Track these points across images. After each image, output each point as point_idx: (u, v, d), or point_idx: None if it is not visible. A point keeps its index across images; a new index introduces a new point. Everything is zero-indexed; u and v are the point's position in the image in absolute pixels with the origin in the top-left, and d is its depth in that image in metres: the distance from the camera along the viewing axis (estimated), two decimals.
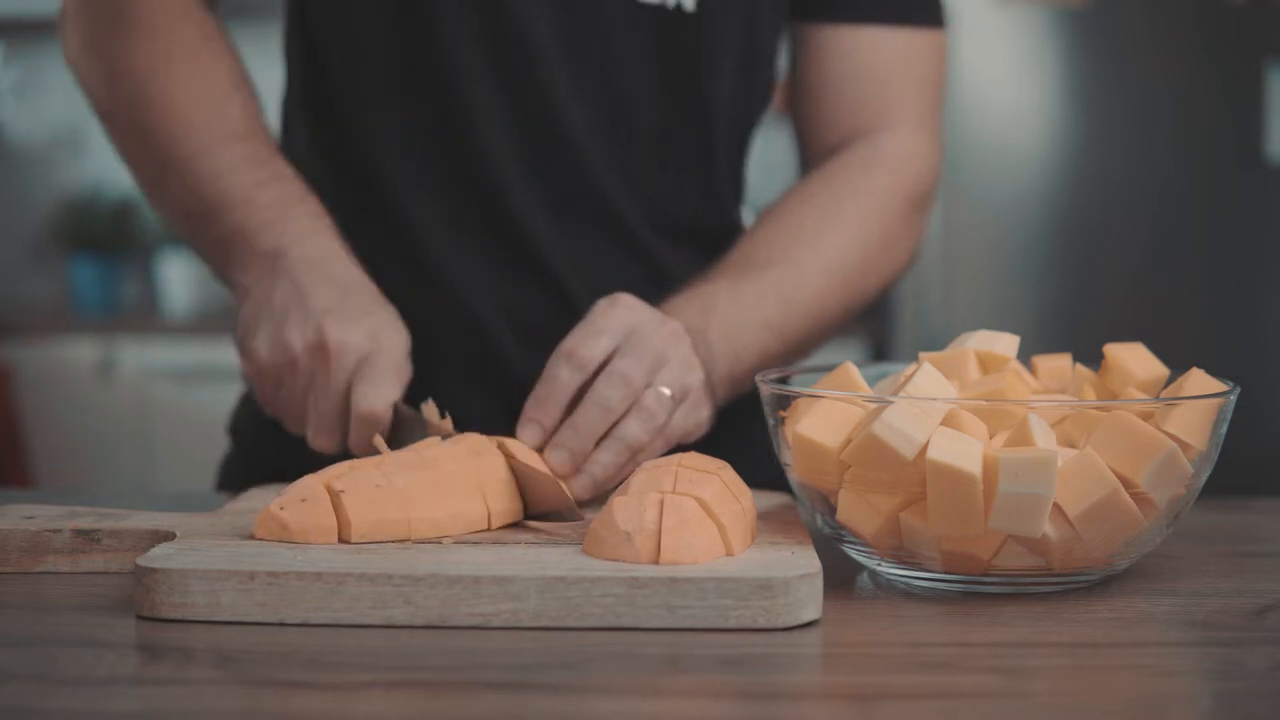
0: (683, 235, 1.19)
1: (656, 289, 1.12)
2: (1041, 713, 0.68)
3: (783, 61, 1.24)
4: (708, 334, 1.03)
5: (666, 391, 0.95)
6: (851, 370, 0.89)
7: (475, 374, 1.15)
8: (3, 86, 3.84)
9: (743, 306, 1.07)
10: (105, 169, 3.75)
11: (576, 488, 0.95)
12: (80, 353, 3.40)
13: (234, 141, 1.09)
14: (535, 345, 1.09)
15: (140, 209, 3.69)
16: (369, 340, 0.99)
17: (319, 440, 1.00)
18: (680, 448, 0.99)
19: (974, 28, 2.87)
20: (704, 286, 1.08)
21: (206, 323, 3.43)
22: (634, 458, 0.95)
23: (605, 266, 1.16)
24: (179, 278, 3.52)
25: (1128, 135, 2.87)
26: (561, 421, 0.95)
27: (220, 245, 1.07)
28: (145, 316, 3.57)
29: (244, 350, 1.03)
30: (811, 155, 1.22)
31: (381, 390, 0.98)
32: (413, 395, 1.05)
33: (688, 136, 1.18)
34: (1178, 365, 0.92)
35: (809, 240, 1.12)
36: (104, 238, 3.60)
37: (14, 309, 3.64)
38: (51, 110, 3.83)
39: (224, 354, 3.25)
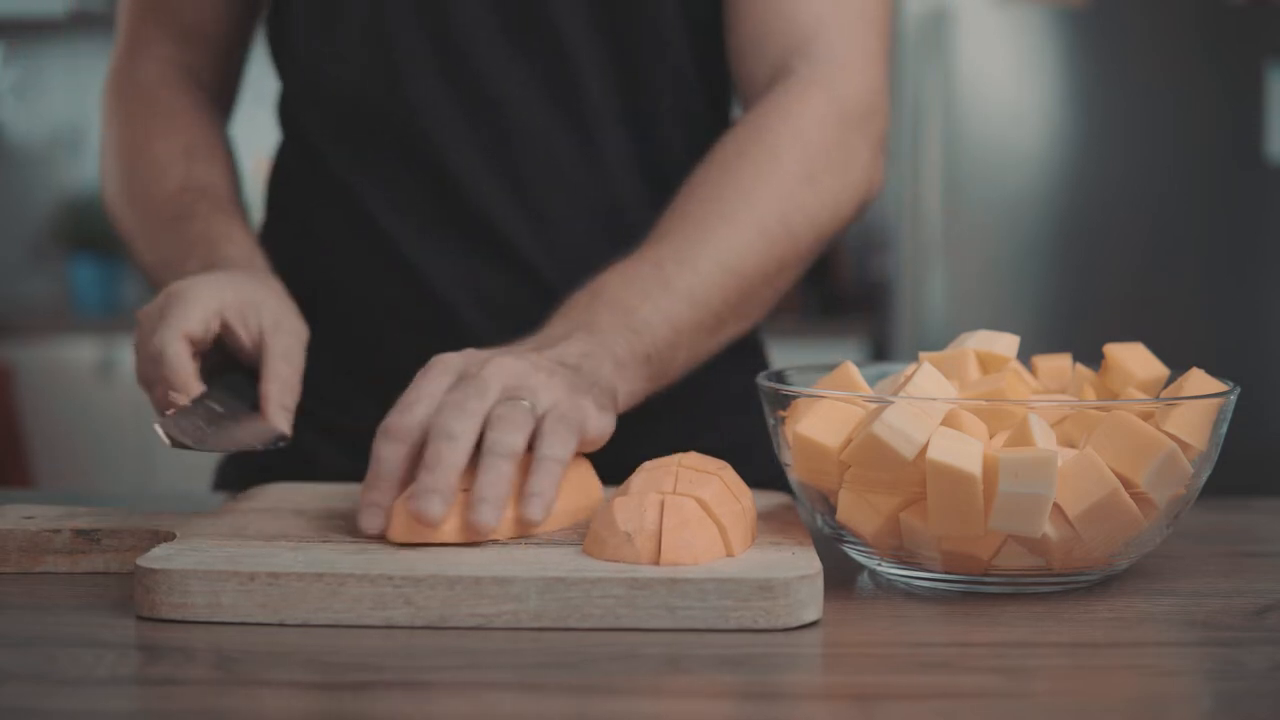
0: (646, 207, 1.18)
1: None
2: (1041, 713, 0.68)
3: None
4: (596, 322, 0.97)
5: (525, 402, 0.87)
6: (851, 370, 0.89)
7: None
8: (3, 86, 3.85)
9: (635, 283, 1.01)
10: None
11: (481, 519, 0.83)
12: (80, 353, 3.40)
13: (165, 207, 1.15)
14: (512, 332, 1.08)
15: None
16: (162, 298, 1.01)
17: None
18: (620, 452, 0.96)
19: (974, 28, 2.87)
20: (598, 278, 1.03)
21: None
22: (514, 463, 0.85)
23: (575, 244, 1.16)
24: None
25: (1128, 135, 2.87)
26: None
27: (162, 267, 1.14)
28: None
29: None
30: (746, 96, 1.17)
31: (162, 332, 0.97)
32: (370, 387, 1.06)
33: (639, 111, 1.17)
34: (1178, 365, 0.92)
35: (708, 200, 1.06)
36: (104, 238, 3.60)
37: (14, 309, 3.64)
38: (51, 110, 3.83)
39: None
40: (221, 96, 1.27)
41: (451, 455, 0.83)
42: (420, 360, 1.04)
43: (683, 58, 1.18)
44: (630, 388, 0.98)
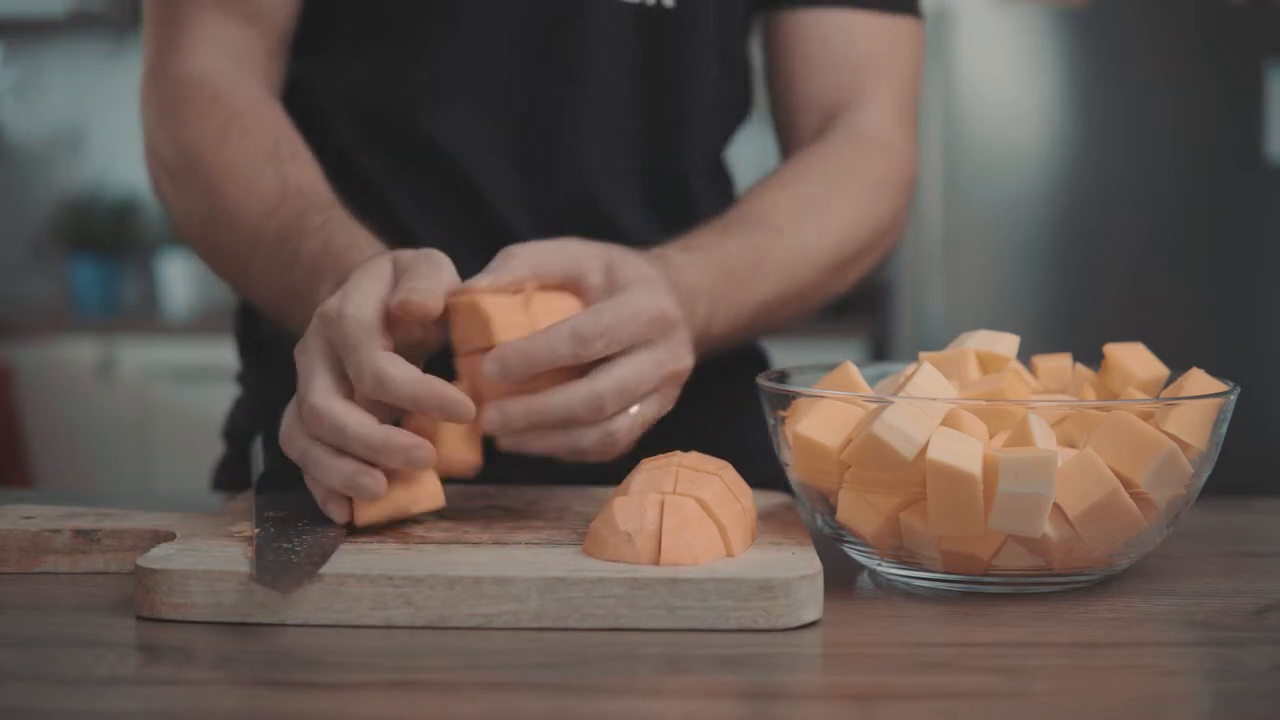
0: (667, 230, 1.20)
1: None
2: (1041, 713, 0.68)
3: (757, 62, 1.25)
4: (720, 293, 1.00)
5: (633, 410, 0.89)
6: (851, 370, 0.89)
7: None
8: (3, 86, 3.85)
9: (748, 271, 1.03)
10: (105, 169, 3.75)
11: (501, 436, 0.87)
12: (80, 353, 3.40)
13: (268, 225, 1.02)
14: None
15: (140, 209, 3.70)
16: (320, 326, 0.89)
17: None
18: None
19: (974, 28, 2.87)
20: (719, 240, 1.04)
21: (206, 323, 3.43)
22: (562, 444, 0.88)
23: None
24: (179, 278, 3.53)
25: (1128, 135, 2.87)
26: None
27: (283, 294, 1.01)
28: (145, 316, 3.57)
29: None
30: (791, 142, 1.21)
31: (364, 355, 0.84)
32: None
33: (669, 135, 1.18)
34: (1178, 365, 0.92)
35: (817, 215, 1.11)
36: (104, 238, 3.60)
37: (14, 309, 3.64)
38: (51, 110, 3.83)
39: (224, 354, 3.24)
40: (278, 92, 1.16)
41: (556, 427, 0.86)
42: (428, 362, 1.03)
43: (711, 87, 1.20)
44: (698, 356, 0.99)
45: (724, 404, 1.21)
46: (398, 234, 1.12)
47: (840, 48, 1.18)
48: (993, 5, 2.85)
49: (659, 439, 1.17)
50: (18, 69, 3.84)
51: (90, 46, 3.78)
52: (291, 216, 1.01)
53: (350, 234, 0.98)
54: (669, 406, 0.93)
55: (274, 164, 1.04)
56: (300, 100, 1.17)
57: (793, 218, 1.10)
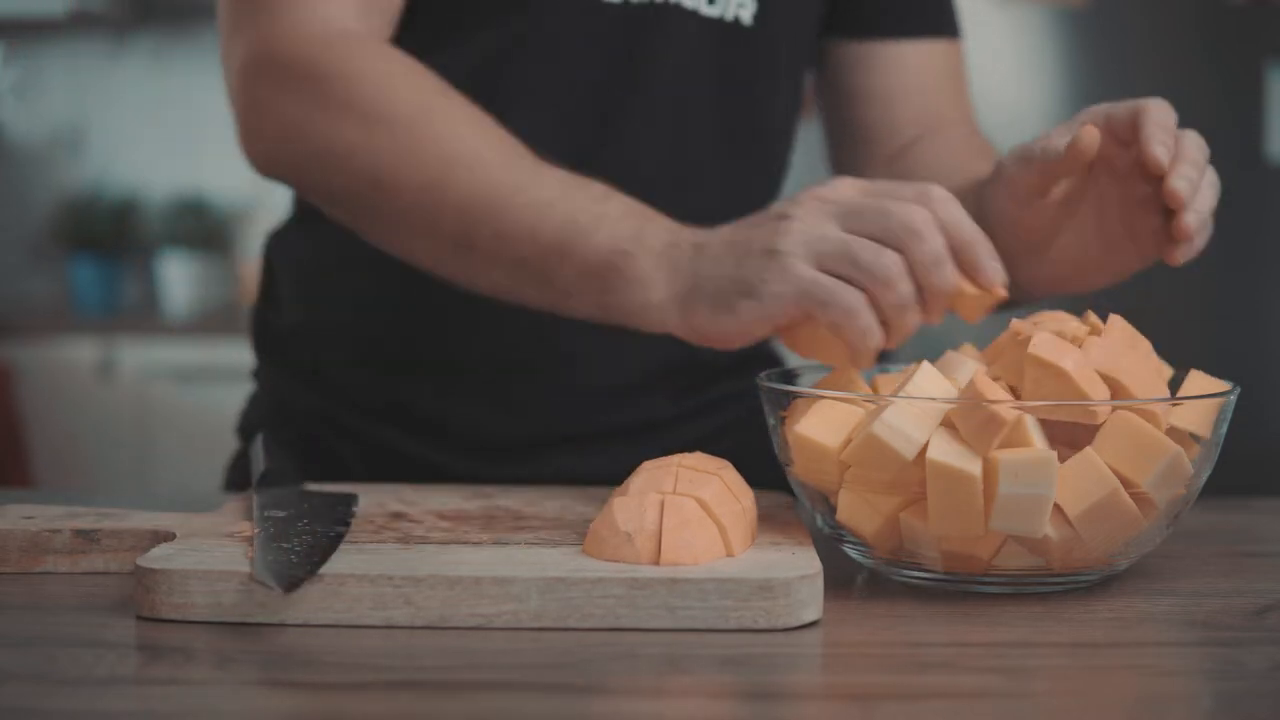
0: None
1: None
2: (1041, 713, 0.68)
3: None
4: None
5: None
6: (851, 370, 0.89)
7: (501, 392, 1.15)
8: (3, 86, 3.84)
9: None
10: (105, 169, 3.75)
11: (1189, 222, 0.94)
12: (80, 353, 3.40)
13: (542, 168, 0.96)
14: (564, 363, 1.11)
15: (140, 209, 3.70)
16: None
17: (903, 324, 0.88)
18: None
19: (974, 28, 2.86)
20: None
21: (206, 323, 3.43)
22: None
23: None
24: (179, 278, 3.53)
25: None
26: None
27: (586, 275, 0.92)
28: (145, 316, 3.57)
29: (742, 310, 0.88)
30: (872, 159, 1.23)
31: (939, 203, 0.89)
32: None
33: (745, 151, 1.18)
34: (1178, 365, 0.92)
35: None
36: (104, 238, 3.60)
37: (14, 309, 3.64)
38: (51, 110, 3.83)
39: (224, 354, 3.25)
40: None
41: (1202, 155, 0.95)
42: (440, 360, 1.03)
43: (784, 125, 1.22)
44: None
45: (730, 406, 1.21)
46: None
47: (915, 77, 1.22)
48: (993, 5, 2.85)
49: (663, 442, 1.18)
50: (18, 69, 3.84)
51: (90, 46, 3.78)
52: (564, 170, 0.96)
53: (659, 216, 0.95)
54: None
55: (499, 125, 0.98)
56: None
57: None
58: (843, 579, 0.87)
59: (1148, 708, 0.69)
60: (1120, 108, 0.97)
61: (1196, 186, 0.92)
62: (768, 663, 0.72)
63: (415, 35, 1.11)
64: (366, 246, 1.07)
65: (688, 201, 1.13)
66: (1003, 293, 0.90)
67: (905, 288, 0.86)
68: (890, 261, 0.86)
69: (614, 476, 1.08)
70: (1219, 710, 0.69)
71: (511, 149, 0.96)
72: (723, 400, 1.21)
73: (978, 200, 1.00)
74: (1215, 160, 0.98)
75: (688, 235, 0.92)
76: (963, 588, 0.84)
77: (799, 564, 0.79)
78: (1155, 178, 0.92)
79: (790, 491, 0.98)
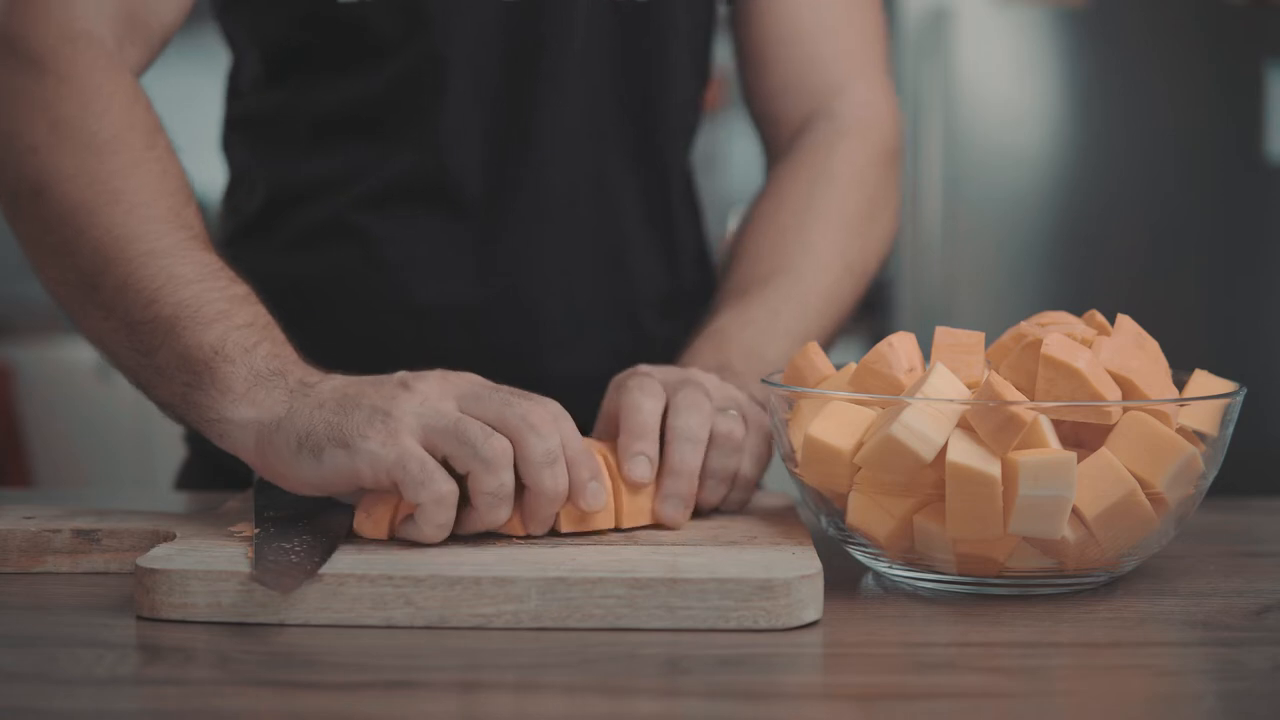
0: (650, 234, 1.20)
1: (627, 292, 1.16)
2: (1042, 713, 0.67)
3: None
4: (731, 366, 1.02)
5: (733, 411, 0.92)
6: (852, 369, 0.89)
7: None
8: None
9: (756, 328, 1.06)
10: None
11: (669, 515, 0.90)
12: (80, 353, 3.39)
13: (196, 246, 0.92)
14: (494, 351, 1.12)
15: None
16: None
17: (493, 516, 0.83)
18: None
19: (974, 27, 2.87)
20: (711, 324, 1.08)
21: None
22: (730, 487, 0.93)
23: (570, 272, 1.17)
24: None
25: (1128, 135, 2.87)
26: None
27: (182, 362, 0.88)
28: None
29: (330, 463, 0.83)
30: (774, 137, 1.22)
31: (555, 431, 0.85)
32: None
33: (645, 132, 1.18)
34: (1178, 365, 0.92)
35: (797, 241, 1.12)
36: None
37: (14, 309, 3.64)
38: None
39: None
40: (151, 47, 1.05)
41: (694, 462, 0.89)
42: (407, 354, 1.03)
43: (688, 95, 1.21)
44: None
45: None
46: (367, 209, 1.12)
47: (803, 23, 1.19)
48: (993, 5, 2.85)
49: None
50: None
51: None
52: (221, 263, 0.93)
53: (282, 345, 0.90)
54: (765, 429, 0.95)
55: (193, 200, 0.96)
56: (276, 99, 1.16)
57: (776, 259, 1.11)
58: (844, 579, 0.87)
59: (1148, 708, 0.69)
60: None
61: (688, 496, 0.89)
62: (768, 663, 0.72)
63: (322, 58, 1.13)
64: (330, 253, 1.08)
65: (604, 186, 1.14)
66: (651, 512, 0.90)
67: (506, 478, 0.81)
68: (499, 446, 0.81)
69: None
70: (1219, 710, 0.69)
71: (176, 215, 0.93)
72: None
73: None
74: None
75: (299, 372, 0.87)
76: (965, 589, 0.84)
77: (799, 564, 0.79)
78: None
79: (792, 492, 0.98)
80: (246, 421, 0.85)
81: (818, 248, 1.12)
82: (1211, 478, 0.86)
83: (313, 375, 0.87)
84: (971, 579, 0.83)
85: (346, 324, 1.15)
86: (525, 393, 0.87)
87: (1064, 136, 2.89)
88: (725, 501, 0.93)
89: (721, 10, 1.24)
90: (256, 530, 0.84)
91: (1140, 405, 0.82)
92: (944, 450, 0.79)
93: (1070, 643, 0.76)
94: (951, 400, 0.80)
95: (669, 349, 1.13)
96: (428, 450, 0.82)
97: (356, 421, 0.82)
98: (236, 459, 0.88)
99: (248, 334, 0.88)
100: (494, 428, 0.83)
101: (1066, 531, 0.80)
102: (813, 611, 0.78)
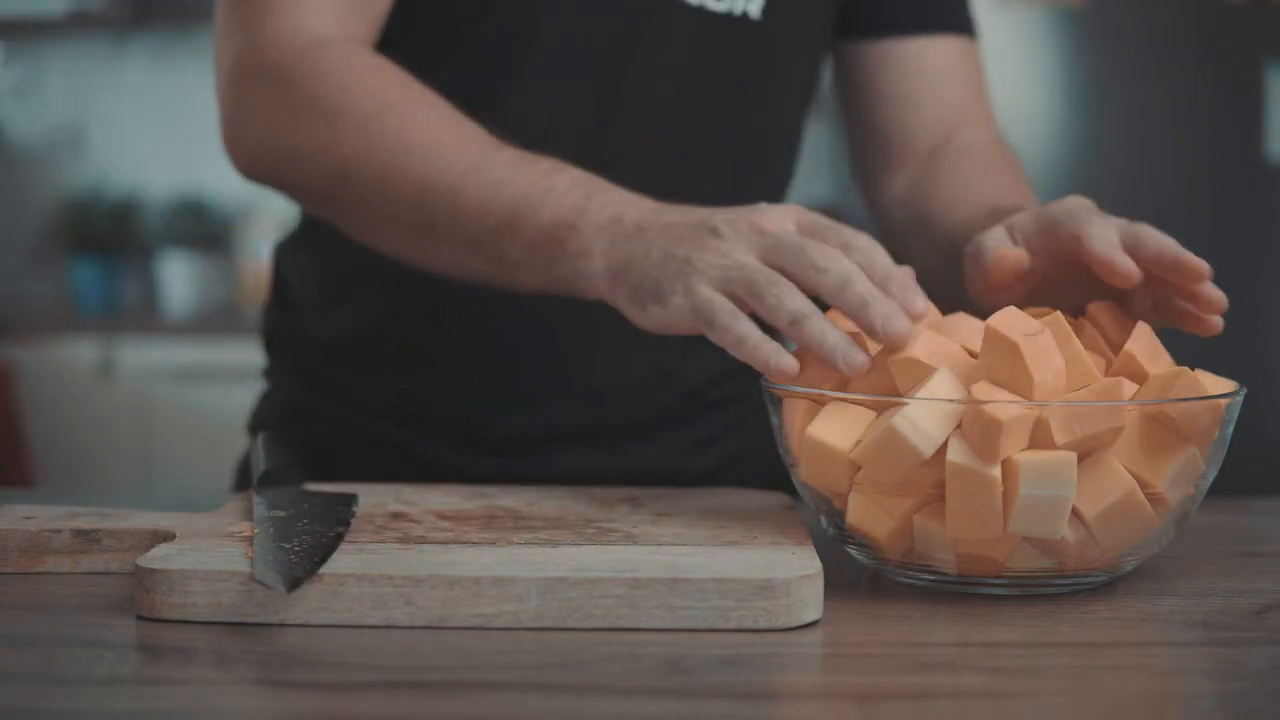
0: None
1: None
2: (1042, 713, 0.67)
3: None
4: None
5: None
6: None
7: (500, 392, 1.15)
8: (3, 86, 3.84)
9: None
10: (105, 169, 3.75)
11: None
12: (80, 353, 3.40)
13: (495, 149, 0.98)
14: (554, 361, 1.12)
15: (140, 209, 3.69)
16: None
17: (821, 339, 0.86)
18: None
19: None
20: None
21: (206, 323, 3.43)
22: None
23: None
24: (179, 278, 3.52)
25: (1128, 135, 2.87)
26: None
27: (534, 248, 0.95)
28: (145, 316, 3.57)
29: (665, 299, 0.90)
30: (904, 161, 1.22)
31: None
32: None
33: (751, 150, 1.18)
34: (1178, 365, 0.92)
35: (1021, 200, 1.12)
36: (104, 238, 3.60)
37: (14, 309, 3.64)
38: (51, 110, 3.83)
39: (224, 354, 3.25)
40: None
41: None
42: (465, 359, 1.02)
43: (792, 124, 1.21)
44: None
45: (730, 405, 1.21)
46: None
47: (936, 75, 1.21)
48: (993, 5, 2.85)
49: (663, 445, 1.17)
50: (18, 69, 3.84)
51: (90, 46, 3.78)
52: (519, 150, 0.98)
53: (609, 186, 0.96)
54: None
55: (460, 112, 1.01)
56: None
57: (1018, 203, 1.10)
58: (844, 579, 0.87)
59: (1148, 708, 0.69)
60: (1044, 223, 0.94)
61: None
62: (768, 663, 0.72)
63: (417, 41, 1.11)
64: (369, 253, 1.07)
65: (692, 201, 1.13)
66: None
67: (798, 304, 0.86)
68: (784, 289, 0.86)
69: (616, 475, 1.08)
70: (1219, 710, 0.69)
71: (464, 133, 0.99)
72: (724, 401, 1.21)
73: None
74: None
75: (633, 212, 0.93)
76: (965, 589, 0.84)
77: (799, 564, 0.79)
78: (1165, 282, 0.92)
79: (792, 491, 0.98)
80: (601, 273, 0.92)
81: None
82: (1211, 478, 0.86)
83: (646, 214, 0.92)
84: (971, 579, 0.83)
85: (399, 300, 1.15)
86: (829, 229, 0.90)
87: (1064, 136, 2.89)
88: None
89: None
90: (256, 530, 0.84)
91: (1139, 405, 0.82)
92: (943, 450, 0.79)
93: (1070, 643, 0.76)
94: (952, 400, 0.80)
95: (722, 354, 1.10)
96: (728, 294, 0.88)
97: (669, 274, 0.89)
98: (302, 448, 0.98)
99: (574, 196, 0.94)
100: (790, 273, 0.87)
101: (1066, 531, 0.80)
102: (813, 611, 0.78)
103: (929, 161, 1.19)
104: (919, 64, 1.21)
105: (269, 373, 1.26)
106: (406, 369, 1.17)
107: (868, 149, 1.25)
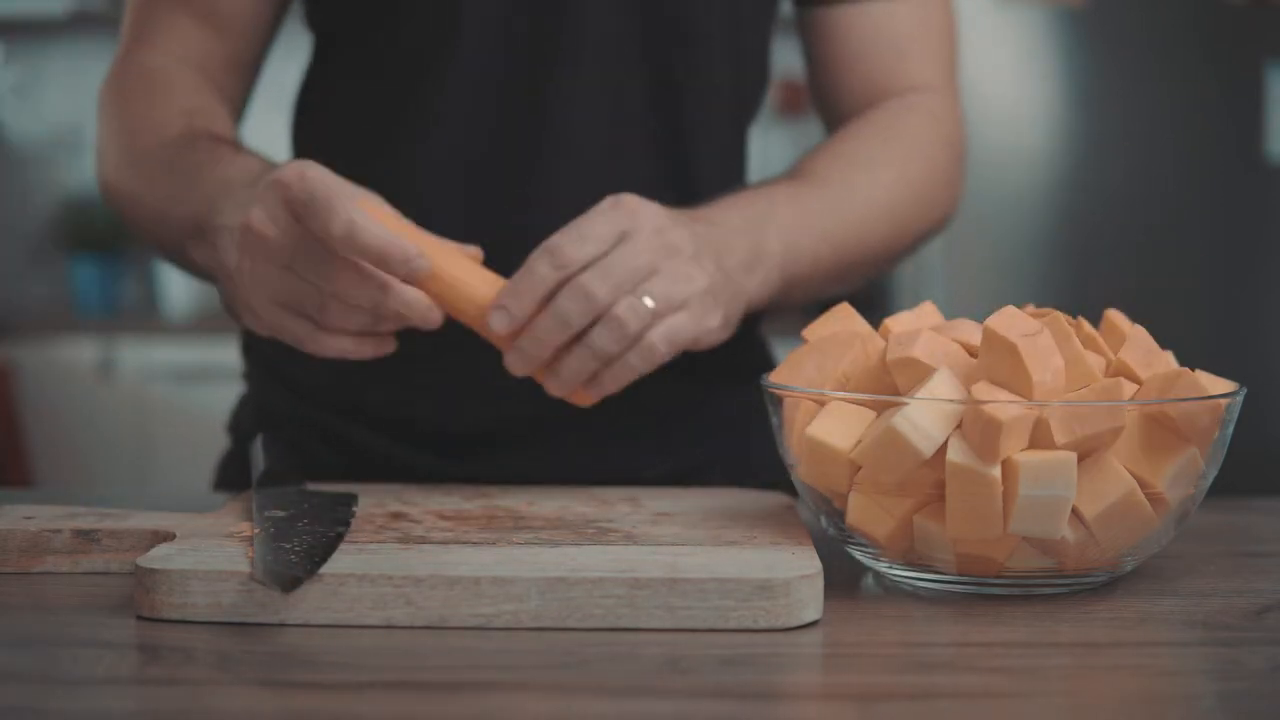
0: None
1: None
2: (1042, 713, 0.67)
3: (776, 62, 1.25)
4: (765, 228, 1.02)
5: (649, 303, 0.93)
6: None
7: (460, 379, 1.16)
8: (3, 86, 3.84)
9: (803, 211, 1.06)
10: None
11: (548, 387, 0.96)
12: (80, 353, 3.40)
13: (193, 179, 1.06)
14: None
15: None
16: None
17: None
18: (693, 358, 1.00)
19: (974, 28, 2.87)
20: (767, 187, 1.08)
21: (206, 323, 3.43)
22: (609, 366, 0.94)
23: None
24: (179, 278, 3.52)
25: (1128, 135, 2.87)
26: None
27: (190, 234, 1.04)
28: (145, 316, 3.57)
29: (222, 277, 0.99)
30: (841, 111, 1.22)
31: (340, 206, 0.89)
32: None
33: (676, 121, 1.17)
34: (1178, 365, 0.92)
35: (864, 168, 1.12)
36: (104, 238, 3.60)
37: (14, 309, 3.64)
38: (51, 110, 3.83)
39: (224, 354, 3.25)
40: (234, 102, 1.20)
41: (556, 336, 0.92)
42: (430, 360, 1.03)
43: (724, 86, 1.19)
44: (759, 299, 1.03)
45: (726, 410, 1.21)
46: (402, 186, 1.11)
47: (879, 37, 1.19)
48: (993, 5, 2.85)
49: (660, 446, 1.17)
50: (18, 69, 3.84)
51: (90, 46, 3.78)
52: (186, 143, 1.06)
53: (234, 153, 1.03)
54: (711, 326, 0.96)
55: (187, 118, 1.09)
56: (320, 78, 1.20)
57: (840, 171, 1.11)
58: (844, 579, 0.87)
59: (1148, 708, 0.69)
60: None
61: (535, 359, 0.95)
62: (768, 663, 0.72)
63: (341, 28, 1.16)
64: None
65: (623, 166, 1.14)
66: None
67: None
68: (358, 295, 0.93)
69: (612, 473, 1.08)
70: (1219, 710, 0.69)
71: (177, 142, 1.08)
72: (715, 399, 1.21)
73: None
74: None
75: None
76: (966, 589, 0.84)
77: (799, 564, 0.79)
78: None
79: (790, 490, 0.98)
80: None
81: (877, 184, 1.12)
82: (1211, 478, 0.86)
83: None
84: (971, 579, 0.83)
85: None
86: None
87: (1064, 136, 2.89)
88: (612, 368, 0.94)
89: (785, 10, 1.23)
90: (256, 530, 0.84)
91: (1139, 405, 0.82)
92: (943, 450, 0.79)
93: (1070, 643, 0.76)
94: (952, 400, 0.80)
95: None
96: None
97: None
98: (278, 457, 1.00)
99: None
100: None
101: (1066, 531, 0.80)
102: (813, 611, 0.78)
103: (852, 120, 1.19)
104: (857, 27, 1.20)
105: (247, 375, 1.27)
106: (374, 370, 1.17)
107: (823, 119, 1.25)
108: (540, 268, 0.92)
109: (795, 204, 1.06)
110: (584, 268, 0.93)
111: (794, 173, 1.12)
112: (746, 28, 1.19)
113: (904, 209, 1.15)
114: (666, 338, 0.94)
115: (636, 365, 0.94)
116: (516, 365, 0.94)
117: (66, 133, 3.82)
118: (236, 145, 1.08)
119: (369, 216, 0.89)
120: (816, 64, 1.23)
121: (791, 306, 1.12)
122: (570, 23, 1.11)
